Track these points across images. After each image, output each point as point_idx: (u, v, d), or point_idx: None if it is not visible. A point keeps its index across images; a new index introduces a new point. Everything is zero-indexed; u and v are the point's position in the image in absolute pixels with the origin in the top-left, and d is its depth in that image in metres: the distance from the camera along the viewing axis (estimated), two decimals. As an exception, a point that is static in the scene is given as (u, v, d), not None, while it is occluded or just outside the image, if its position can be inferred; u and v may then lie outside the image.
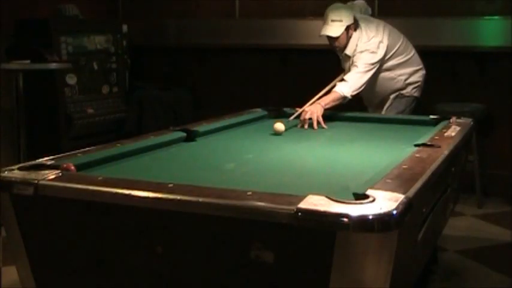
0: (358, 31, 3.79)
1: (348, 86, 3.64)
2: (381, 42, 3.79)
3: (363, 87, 3.71)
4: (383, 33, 3.83)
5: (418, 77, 4.00)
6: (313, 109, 3.42)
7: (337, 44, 3.78)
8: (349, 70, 3.80)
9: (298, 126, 3.36)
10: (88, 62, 5.10)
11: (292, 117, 3.45)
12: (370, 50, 3.75)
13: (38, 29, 4.85)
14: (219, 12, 5.60)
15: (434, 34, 4.71)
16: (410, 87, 3.97)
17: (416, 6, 4.83)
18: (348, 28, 3.73)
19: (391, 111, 3.94)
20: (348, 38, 3.77)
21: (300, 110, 3.50)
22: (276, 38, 5.32)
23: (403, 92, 3.97)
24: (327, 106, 3.52)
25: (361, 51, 3.74)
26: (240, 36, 5.45)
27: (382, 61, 3.82)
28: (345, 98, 3.63)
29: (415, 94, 4.00)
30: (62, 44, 4.90)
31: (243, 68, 5.59)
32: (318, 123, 3.35)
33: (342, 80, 3.74)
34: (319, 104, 3.49)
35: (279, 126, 3.07)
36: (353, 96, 3.69)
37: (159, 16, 5.84)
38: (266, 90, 5.40)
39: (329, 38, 3.77)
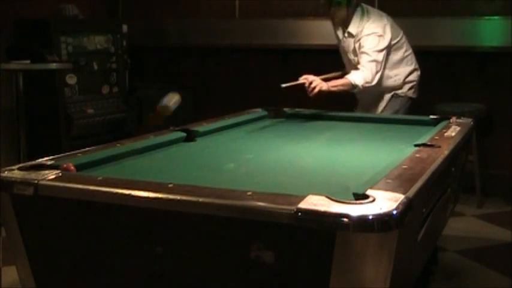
0: (360, 10, 3.78)
1: (361, 76, 3.61)
2: (386, 24, 3.78)
3: (376, 79, 3.65)
4: (386, 18, 3.84)
5: (414, 76, 4.01)
6: (319, 82, 3.43)
7: (336, 16, 3.76)
8: (353, 55, 3.78)
9: (300, 79, 3.43)
10: (88, 62, 5.10)
11: (295, 83, 3.50)
12: (378, 33, 3.70)
13: (38, 29, 4.85)
14: (219, 12, 5.60)
15: (434, 34, 4.71)
16: (407, 86, 3.98)
17: (416, 6, 4.84)
18: (348, 4, 3.71)
19: (386, 111, 3.95)
20: (348, 14, 3.75)
21: (306, 77, 3.51)
22: (276, 38, 5.33)
23: (398, 92, 3.97)
24: (334, 89, 3.52)
25: (368, 34, 3.70)
26: (240, 36, 5.45)
27: (389, 46, 3.77)
28: (355, 86, 3.60)
29: (410, 94, 4.00)
30: (62, 44, 4.90)
31: (243, 68, 5.59)
32: (312, 93, 3.40)
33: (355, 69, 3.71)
34: (327, 84, 3.49)
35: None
36: (365, 88, 3.64)
37: (159, 16, 5.84)
38: (266, 90, 5.40)
39: (327, 8, 3.74)
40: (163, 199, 1.70)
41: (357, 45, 3.79)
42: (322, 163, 2.45)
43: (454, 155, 2.51)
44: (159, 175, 2.09)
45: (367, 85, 3.64)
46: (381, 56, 3.69)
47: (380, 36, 3.71)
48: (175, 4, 5.76)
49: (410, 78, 3.98)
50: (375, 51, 3.68)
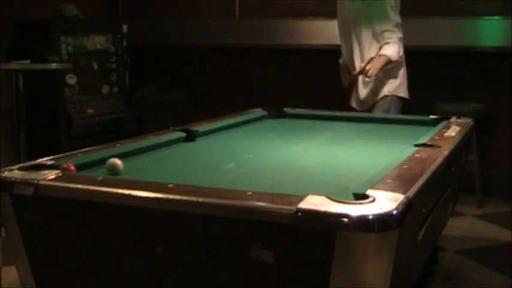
0: None
1: (394, 49, 3.84)
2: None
3: (402, 53, 3.89)
4: None
5: (399, 75, 4.02)
6: (370, 67, 3.78)
7: None
8: (362, 21, 3.92)
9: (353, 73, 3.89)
10: (88, 62, 5.10)
11: (356, 72, 3.89)
12: (391, 5, 3.89)
13: (38, 29, 4.85)
14: (219, 12, 5.60)
15: (434, 34, 4.71)
16: (391, 83, 3.99)
17: (416, 6, 4.83)
18: None
19: (377, 110, 3.98)
20: None
21: (362, 66, 3.84)
22: (276, 38, 5.32)
23: (386, 91, 3.99)
24: (381, 68, 3.83)
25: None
26: (240, 36, 5.45)
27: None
28: (392, 61, 3.85)
29: (400, 94, 4.01)
30: (62, 44, 4.90)
31: (243, 68, 5.59)
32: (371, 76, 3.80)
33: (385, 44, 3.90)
34: (375, 66, 3.80)
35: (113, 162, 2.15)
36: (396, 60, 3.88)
37: (159, 16, 5.84)
38: (266, 90, 5.40)
39: None
40: (163, 199, 1.70)
41: (370, 10, 3.91)
42: (322, 163, 2.45)
43: (454, 155, 2.51)
44: (159, 175, 2.09)
45: (399, 58, 3.88)
46: (401, 31, 3.93)
47: (395, 10, 3.92)
48: (175, 4, 5.76)
49: (395, 71, 4.02)
50: (396, 25, 3.89)
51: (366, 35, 3.95)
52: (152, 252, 1.74)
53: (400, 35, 3.91)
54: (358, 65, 3.99)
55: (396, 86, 3.98)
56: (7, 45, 4.65)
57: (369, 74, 3.79)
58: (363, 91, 4.03)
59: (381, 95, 3.97)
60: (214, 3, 5.61)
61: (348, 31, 4.05)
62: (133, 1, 5.96)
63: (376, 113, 3.94)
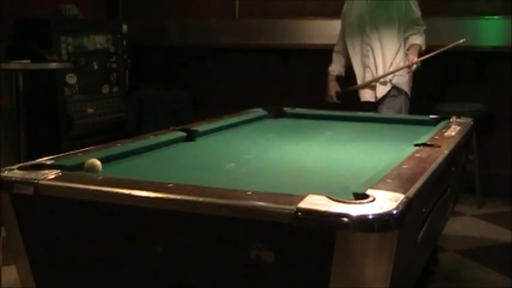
0: None
1: (423, 38, 4.05)
2: None
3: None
4: None
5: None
6: (413, 60, 3.94)
7: None
8: (384, 17, 4.03)
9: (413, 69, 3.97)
10: (88, 62, 5.10)
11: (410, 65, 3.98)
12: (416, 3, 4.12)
13: (38, 29, 4.85)
14: (219, 12, 5.60)
15: (434, 34, 4.70)
16: (400, 78, 4.02)
17: (416, 6, 4.84)
18: None
19: (389, 110, 3.99)
20: None
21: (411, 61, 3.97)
22: (276, 38, 5.32)
23: (397, 82, 4.02)
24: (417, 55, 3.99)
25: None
26: (240, 36, 5.45)
27: None
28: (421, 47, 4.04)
29: (405, 89, 4.04)
30: (62, 44, 4.89)
31: (243, 68, 5.59)
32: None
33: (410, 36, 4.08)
34: (414, 56, 3.98)
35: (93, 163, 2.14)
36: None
37: (159, 16, 5.84)
38: (266, 90, 5.40)
39: None
40: (163, 199, 1.70)
41: (393, 6, 4.05)
42: (322, 163, 2.45)
43: (454, 154, 2.51)
44: (159, 175, 2.09)
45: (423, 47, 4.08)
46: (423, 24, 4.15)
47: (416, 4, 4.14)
48: (175, 4, 5.76)
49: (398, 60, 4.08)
50: (420, 17, 4.11)
51: (387, 31, 4.00)
52: (152, 252, 1.74)
53: (424, 27, 4.08)
54: (380, 60, 4.05)
55: (405, 81, 4.03)
56: (7, 45, 4.65)
57: (414, 68, 3.98)
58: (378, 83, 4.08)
59: (391, 84, 4.02)
60: (214, 3, 5.61)
61: (361, 30, 4.07)
62: (134, 1, 5.96)
63: (382, 107, 3.99)
